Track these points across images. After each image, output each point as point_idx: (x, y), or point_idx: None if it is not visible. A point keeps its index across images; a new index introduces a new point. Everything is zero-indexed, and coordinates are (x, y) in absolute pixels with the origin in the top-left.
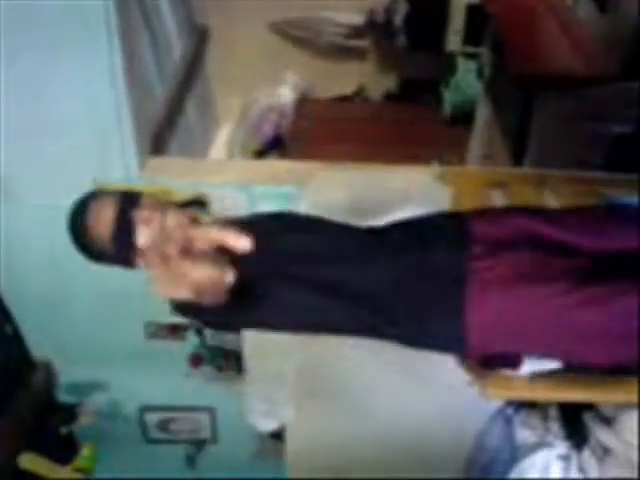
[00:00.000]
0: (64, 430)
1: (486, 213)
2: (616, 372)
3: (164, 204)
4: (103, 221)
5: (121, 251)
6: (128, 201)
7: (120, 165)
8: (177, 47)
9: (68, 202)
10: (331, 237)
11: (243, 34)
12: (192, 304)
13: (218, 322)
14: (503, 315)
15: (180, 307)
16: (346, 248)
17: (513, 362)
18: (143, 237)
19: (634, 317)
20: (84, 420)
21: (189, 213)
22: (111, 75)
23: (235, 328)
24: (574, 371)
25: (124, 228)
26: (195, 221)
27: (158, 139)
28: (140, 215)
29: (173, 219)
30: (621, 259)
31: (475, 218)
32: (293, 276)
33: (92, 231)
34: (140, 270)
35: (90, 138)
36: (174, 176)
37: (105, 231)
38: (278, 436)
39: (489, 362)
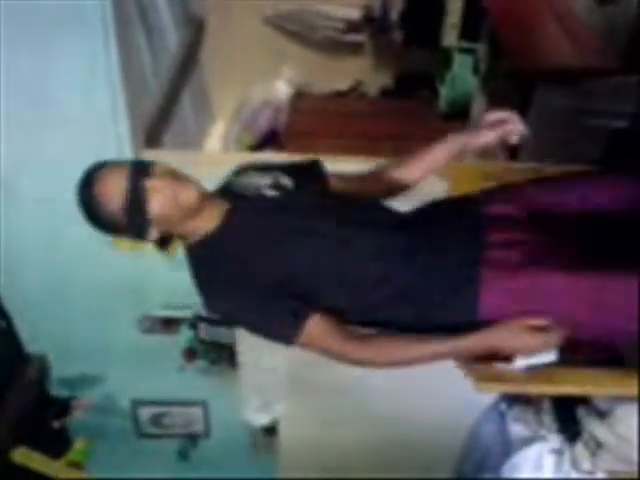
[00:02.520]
0: (57, 424)
1: (498, 193)
2: (610, 363)
3: (176, 173)
4: (114, 191)
5: (133, 221)
6: (139, 170)
7: (116, 158)
8: (173, 41)
9: (63, 196)
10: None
11: (239, 28)
12: None
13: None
14: (515, 296)
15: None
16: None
17: (507, 355)
18: (155, 206)
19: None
20: (77, 415)
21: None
22: (107, 69)
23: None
24: (569, 364)
25: (136, 197)
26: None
27: (153, 132)
28: (152, 184)
29: (185, 189)
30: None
31: (489, 200)
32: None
33: (103, 201)
34: (135, 265)
35: (85, 131)
36: None
37: (116, 201)
38: (271, 430)
39: (483, 355)
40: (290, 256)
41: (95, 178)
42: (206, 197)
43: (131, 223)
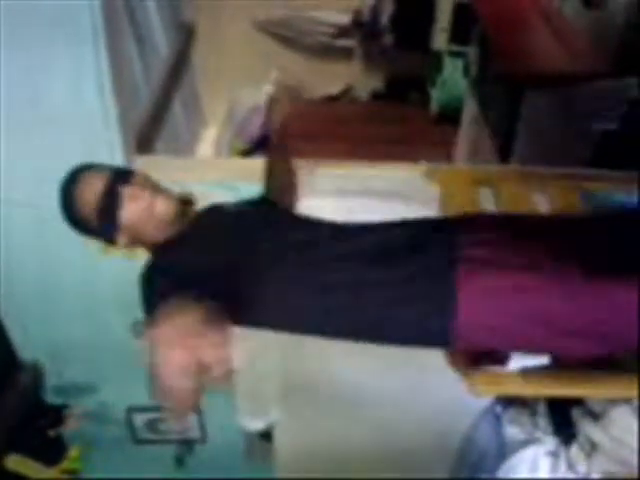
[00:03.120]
0: (52, 433)
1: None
2: (604, 366)
3: (156, 185)
4: (91, 191)
5: (104, 223)
6: (120, 176)
7: (105, 164)
8: (163, 46)
9: (54, 202)
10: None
11: (230, 33)
12: None
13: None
14: (490, 310)
15: None
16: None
17: (501, 358)
18: (128, 213)
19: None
20: (71, 424)
21: (178, 197)
22: (97, 74)
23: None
24: (563, 366)
25: (111, 201)
26: (186, 204)
27: (145, 138)
28: (129, 191)
29: (162, 201)
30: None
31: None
32: (303, 277)
33: (79, 201)
34: (128, 270)
35: (76, 137)
36: (160, 175)
37: (92, 201)
38: (267, 436)
39: (477, 359)
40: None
41: (77, 178)
42: (185, 212)
43: (101, 226)
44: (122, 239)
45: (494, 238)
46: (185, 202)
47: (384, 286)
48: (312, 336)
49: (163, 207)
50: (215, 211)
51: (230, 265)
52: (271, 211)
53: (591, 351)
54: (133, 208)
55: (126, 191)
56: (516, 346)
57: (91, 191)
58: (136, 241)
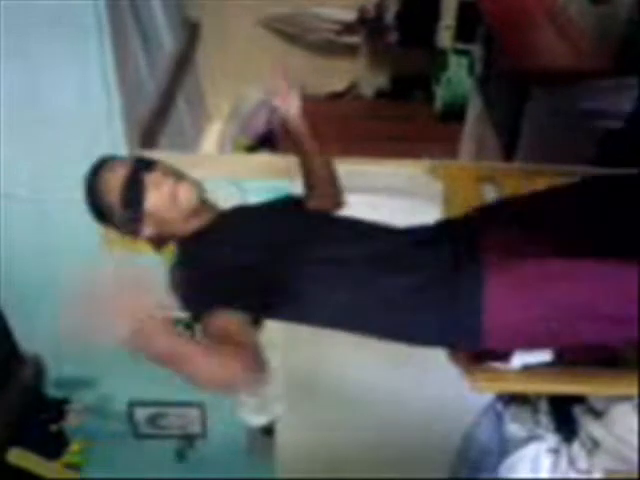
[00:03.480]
0: (54, 427)
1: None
2: (607, 364)
3: (179, 173)
4: (115, 180)
5: (128, 212)
6: (142, 164)
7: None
8: (168, 42)
9: (58, 196)
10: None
11: (234, 30)
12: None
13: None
14: (517, 303)
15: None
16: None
17: (503, 355)
18: (152, 200)
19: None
20: (73, 419)
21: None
22: (102, 70)
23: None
24: (565, 363)
25: (134, 189)
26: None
27: (149, 134)
28: (152, 178)
29: (186, 188)
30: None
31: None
32: (333, 274)
33: (103, 190)
34: (129, 265)
35: (80, 133)
36: None
37: (115, 190)
38: (268, 431)
39: (478, 356)
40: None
41: (100, 168)
42: (205, 202)
43: (125, 215)
44: (147, 229)
45: (513, 230)
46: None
47: (410, 289)
48: (337, 330)
49: (187, 194)
50: (244, 209)
51: (264, 261)
52: (298, 210)
53: (627, 335)
54: (157, 195)
55: (149, 178)
56: (548, 341)
57: (114, 180)
58: (161, 233)
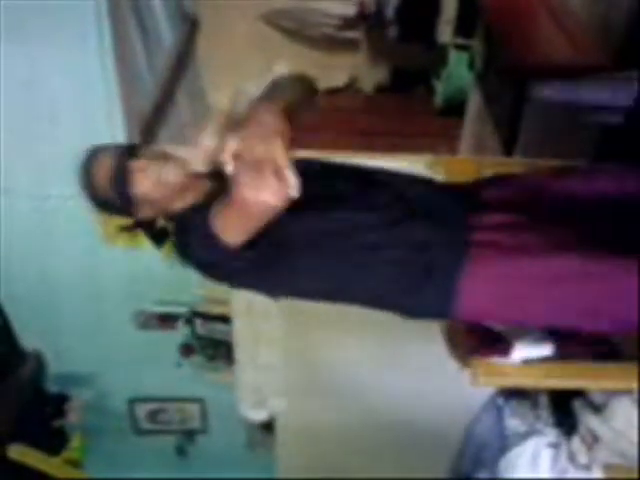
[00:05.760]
0: (54, 423)
1: (496, 179)
2: (606, 358)
3: (166, 155)
4: (103, 172)
5: (120, 199)
6: (127, 151)
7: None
8: (167, 37)
9: (58, 192)
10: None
11: (234, 24)
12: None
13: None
14: (498, 285)
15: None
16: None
17: (503, 349)
18: (139, 186)
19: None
20: (74, 416)
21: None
22: (101, 66)
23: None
24: (565, 358)
25: (121, 177)
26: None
27: (149, 128)
28: (137, 165)
29: (172, 170)
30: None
31: (485, 185)
32: (322, 240)
33: (95, 180)
34: (131, 260)
35: (81, 128)
36: None
37: (106, 182)
38: (268, 426)
39: (479, 349)
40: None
41: (90, 159)
42: (191, 177)
43: (119, 201)
44: (145, 212)
45: (511, 220)
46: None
47: (394, 249)
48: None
49: (170, 175)
50: None
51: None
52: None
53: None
54: (143, 181)
55: (134, 165)
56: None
57: (103, 171)
58: (158, 212)
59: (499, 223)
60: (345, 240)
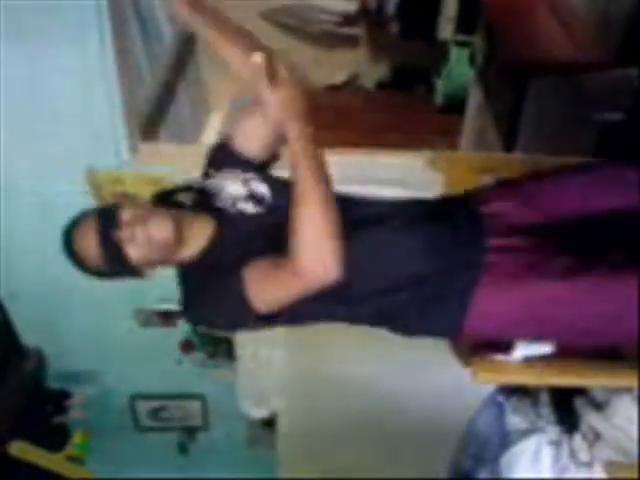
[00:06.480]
0: (56, 421)
1: (497, 190)
2: (607, 356)
3: (145, 210)
4: (90, 248)
5: (119, 271)
6: (106, 224)
7: (112, 151)
8: (167, 34)
9: (59, 190)
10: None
11: (235, 21)
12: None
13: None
14: (507, 306)
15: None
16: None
17: (504, 347)
18: (133, 255)
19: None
20: (75, 413)
21: (172, 212)
22: (102, 61)
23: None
24: (566, 355)
25: (111, 251)
26: (179, 217)
27: (149, 126)
28: (122, 234)
29: (157, 227)
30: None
31: (488, 198)
32: None
33: (85, 258)
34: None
35: (81, 125)
36: (166, 162)
37: (95, 257)
38: (270, 423)
39: (480, 347)
40: None
41: (71, 237)
42: (184, 223)
43: (118, 272)
44: (145, 270)
45: (517, 243)
46: (188, 189)
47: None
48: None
49: (160, 232)
50: (232, 223)
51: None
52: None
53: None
54: (135, 249)
55: (120, 236)
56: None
57: (89, 250)
58: (168, 264)
59: (506, 245)
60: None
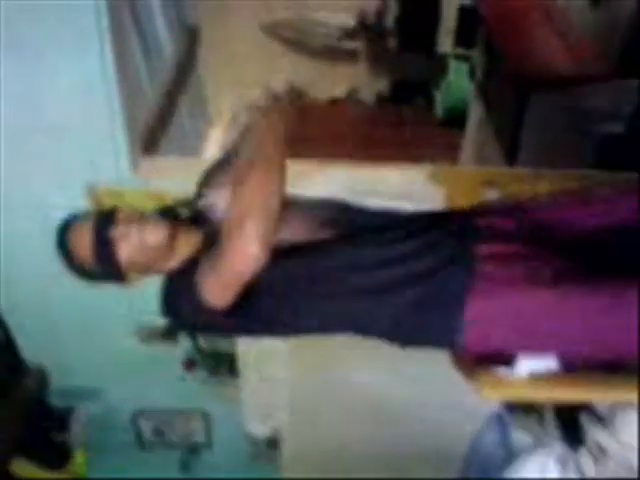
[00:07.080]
0: (57, 438)
1: (496, 206)
2: (613, 370)
3: (140, 216)
4: (83, 245)
5: (108, 270)
6: (103, 221)
7: (112, 166)
8: (168, 48)
9: (60, 203)
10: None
11: (235, 35)
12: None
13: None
14: (503, 318)
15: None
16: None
17: (507, 359)
18: (124, 253)
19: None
20: (76, 432)
21: (167, 221)
22: (103, 76)
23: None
24: (571, 371)
25: (104, 249)
26: (174, 227)
27: (151, 139)
28: (117, 232)
29: (151, 231)
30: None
31: (480, 213)
32: (321, 279)
33: (76, 257)
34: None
35: (82, 139)
36: (167, 176)
37: (87, 255)
38: (273, 440)
39: (483, 360)
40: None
41: (66, 235)
42: (177, 234)
43: (106, 274)
44: (132, 276)
45: (510, 251)
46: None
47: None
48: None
49: (154, 236)
50: None
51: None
52: None
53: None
54: (127, 247)
55: (114, 233)
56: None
57: (82, 245)
58: (154, 272)
59: (503, 254)
60: (342, 282)
